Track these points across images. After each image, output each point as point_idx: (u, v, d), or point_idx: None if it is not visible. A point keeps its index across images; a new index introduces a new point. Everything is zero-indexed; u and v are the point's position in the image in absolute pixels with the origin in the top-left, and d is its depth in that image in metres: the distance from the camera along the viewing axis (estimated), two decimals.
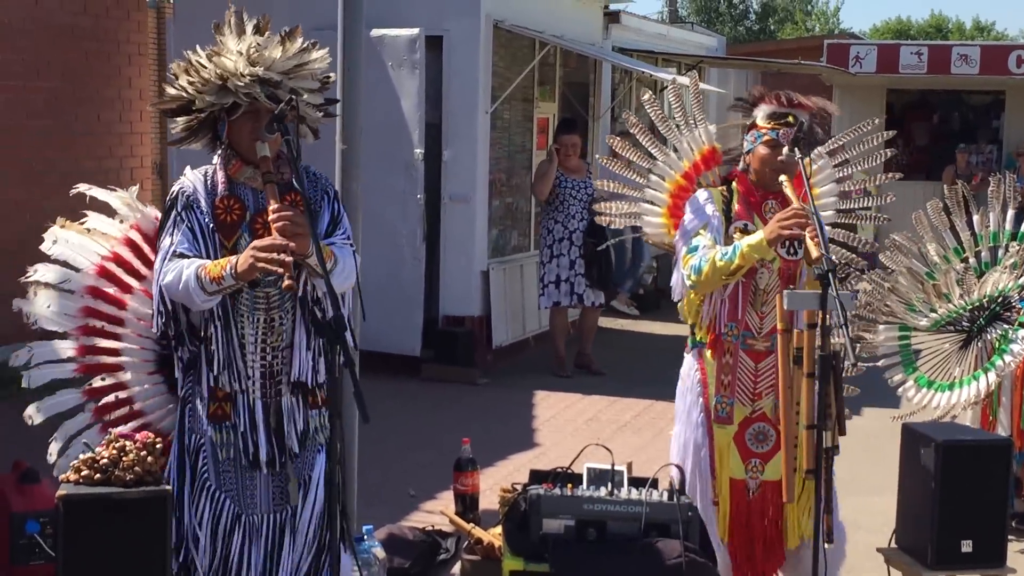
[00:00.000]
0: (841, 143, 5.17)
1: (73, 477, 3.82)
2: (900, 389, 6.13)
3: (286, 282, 3.73)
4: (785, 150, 4.59)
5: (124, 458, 3.80)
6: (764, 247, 4.49)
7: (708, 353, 4.80)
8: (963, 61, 18.17)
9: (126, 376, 4.32)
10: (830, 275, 4.13)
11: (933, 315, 6.08)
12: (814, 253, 4.29)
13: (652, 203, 5.13)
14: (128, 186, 4.50)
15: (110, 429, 4.25)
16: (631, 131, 5.32)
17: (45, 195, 9.07)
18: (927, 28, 53.49)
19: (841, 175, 5.17)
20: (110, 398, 4.31)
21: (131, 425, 4.28)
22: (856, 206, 5.14)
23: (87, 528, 3.76)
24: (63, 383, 4.33)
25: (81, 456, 3.88)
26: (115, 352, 4.30)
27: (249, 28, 4.03)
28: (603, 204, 5.32)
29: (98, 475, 3.80)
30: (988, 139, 19.69)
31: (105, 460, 3.81)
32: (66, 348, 4.29)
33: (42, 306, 4.26)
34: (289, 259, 3.73)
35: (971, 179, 16.69)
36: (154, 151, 12.08)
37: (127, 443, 3.84)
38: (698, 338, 4.84)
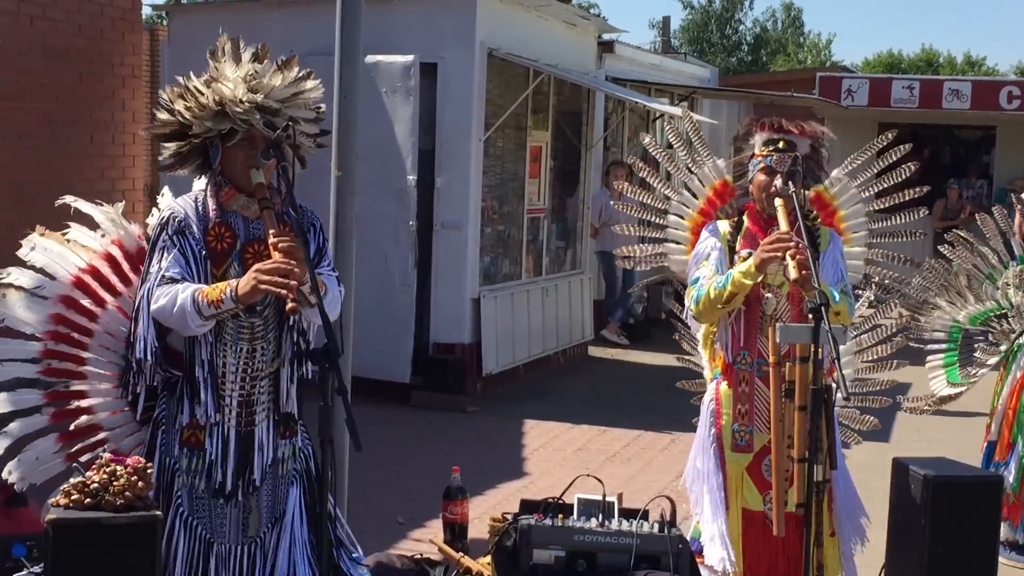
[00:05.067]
0: (857, 163, 5.25)
1: (63, 501, 3.79)
2: (929, 373, 6.25)
3: (289, 304, 3.71)
4: (779, 183, 4.61)
5: (115, 483, 3.78)
6: (753, 272, 4.52)
7: (724, 384, 4.80)
8: (955, 96, 18.25)
9: (88, 387, 4.26)
10: (822, 309, 4.14)
11: (973, 308, 6.26)
12: (792, 274, 4.33)
13: (677, 242, 5.21)
14: (120, 208, 4.47)
15: (66, 443, 4.22)
16: (637, 173, 5.39)
17: (37, 217, 9.01)
18: (918, 62, 53.81)
19: (867, 194, 5.23)
20: (70, 406, 4.25)
21: (87, 440, 4.23)
22: (889, 224, 5.24)
23: (76, 552, 3.73)
24: (24, 383, 4.26)
25: (71, 480, 3.85)
26: (80, 361, 4.24)
27: (246, 56, 4.01)
28: (625, 248, 5.40)
29: (88, 499, 3.77)
30: (979, 174, 19.78)
31: (95, 484, 3.78)
32: (31, 349, 4.23)
33: (13, 306, 4.20)
34: (295, 283, 3.72)
35: (960, 213, 16.79)
36: (147, 173, 12.06)
37: (118, 468, 3.81)
38: (714, 369, 4.86)
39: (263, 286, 3.73)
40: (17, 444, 4.26)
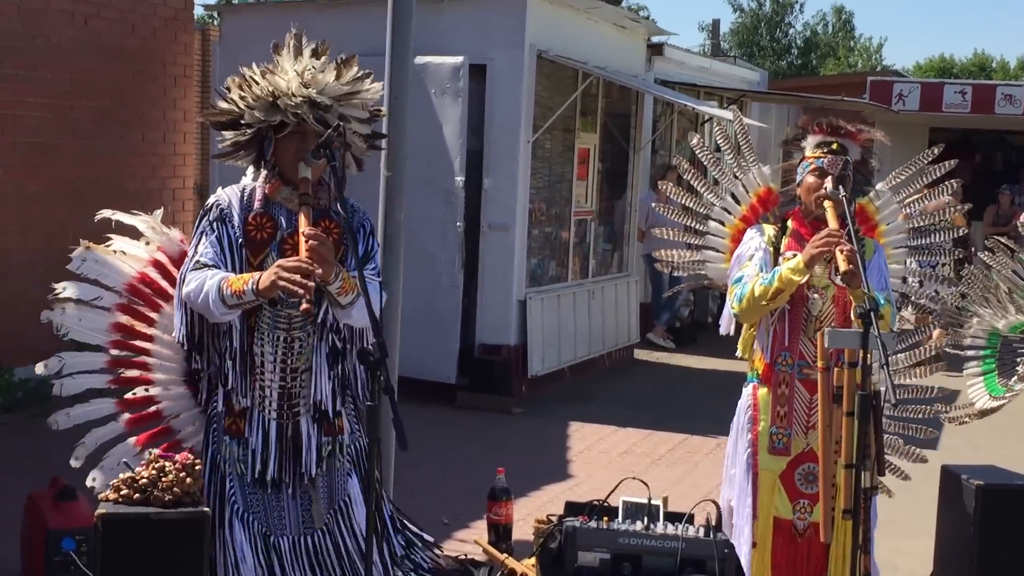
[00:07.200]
0: (902, 177, 5.18)
1: (112, 496, 3.83)
2: (968, 381, 6.16)
3: (304, 305, 3.74)
4: (829, 187, 4.57)
5: (163, 478, 3.82)
6: (802, 268, 4.50)
7: (763, 388, 4.77)
8: (1007, 101, 18.07)
9: (156, 391, 4.35)
10: (871, 314, 4.11)
11: (1013, 318, 6.16)
12: (842, 266, 4.30)
13: (715, 249, 5.17)
14: (170, 207, 4.54)
15: (143, 446, 4.28)
16: (683, 175, 5.34)
17: (89, 214, 9.09)
18: (970, 66, 53.36)
19: (909, 211, 5.17)
20: (143, 411, 4.34)
21: (162, 441, 4.30)
22: (929, 241, 5.15)
23: (125, 547, 3.78)
24: (96, 393, 4.35)
25: (121, 476, 3.89)
26: (145, 367, 4.34)
27: (307, 51, 4.05)
28: (664, 252, 5.35)
29: (137, 495, 3.81)
30: None
31: (144, 480, 3.83)
32: (98, 360, 4.33)
33: (73, 320, 4.30)
34: (312, 283, 3.74)
35: (1012, 219, 16.61)
36: (196, 172, 12.18)
37: (167, 463, 3.85)
38: (752, 371, 4.82)
39: (281, 283, 3.76)
40: (97, 452, 4.35)
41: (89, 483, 4.33)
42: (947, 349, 5.78)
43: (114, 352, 4.33)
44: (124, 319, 4.33)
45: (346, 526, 4.13)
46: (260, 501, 4.05)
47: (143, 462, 3.94)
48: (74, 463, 4.34)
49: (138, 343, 4.33)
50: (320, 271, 3.78)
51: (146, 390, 4.34)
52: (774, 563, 4.76)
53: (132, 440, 4.35)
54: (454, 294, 10.37)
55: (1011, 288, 6.26)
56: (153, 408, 4.34)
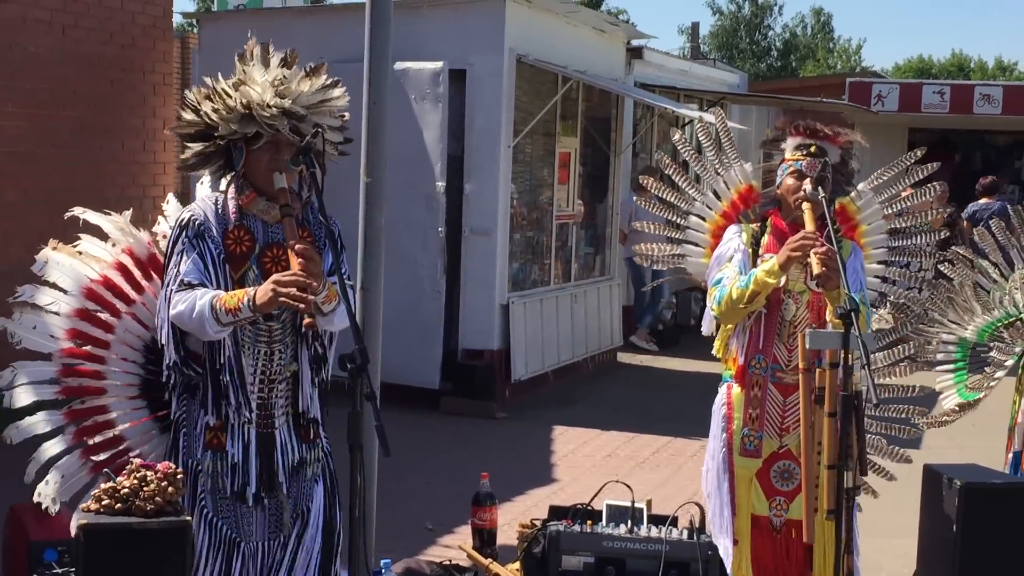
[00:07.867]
0: (884, 178, 5.19)
1: (94, 506, 3.81)
2: (941, 393, 6.15)
3: (307, 319, 3.74)
4: (808, 188, 4.59)
5: (145, 488, 3.79)
6: (777, 271, 4.51)
7: (736, 387, 4.79)
8: (986, 101, 18.14)
9: (108, 400, 4.25)
10: (852, 314, 4.12)
11: (980, 319, 6.17)
12: (816, 269, 4.31)
13: (696, 244, 5.18)
14: (150, 215, 4.48)
15: (90, 456, 4.22)
16: (664, 171, 5.36)
17: (69, 224, 9.09)
18: (949, 67, 53.58)
19: (889, 212, 5.18)
20: (91, 421, 4.24)
21: (112, 453, 4.23)
22: (910, 243, 5.15)
23: (107, 557, 3.75)
24: (45, 404, 4.23)
25: (102, 485, 3.87)
26: (99, 375, 4.23)
27: (275, 61, 4.03)
28: (644, 245, 5.37)
29: (119, 504, 3.79)
30: (1010, 179, 19.65)
31: (126, 490, 3.80)
32: (50, 370, 4.21)
33: (27, 327, 4.20)
34: (311, 297, 3.73)
35: (990, 218, 16.64)
36: (177, 180, 12.14)
37: (148, 473, 3.83)
38: (727, 371, 4.84)
39: (281, 298, 3.74)
40: (43, 465, 4.25)
41: (36, 499, 4.22)
42: (916, 361, 5.80)
43: (67, 360, 4.22)
44: (81, 325, 4.23)
45: (308, 535, 4.12)
46: (230, 507, 4.04)
47: (124, 472, 3.91)
48: (27, 480, 4.26)
49: (94, 351, 4.24)
50: (314, 283, 3.77)
51: (96, 400, 4.23)
52: (754, 559, 4.78)
53: (77, 453, 4.24)
54: (436, 299, 10.37)
55: (976, 284, 6.26)
56: (104, 418, 4.25)
